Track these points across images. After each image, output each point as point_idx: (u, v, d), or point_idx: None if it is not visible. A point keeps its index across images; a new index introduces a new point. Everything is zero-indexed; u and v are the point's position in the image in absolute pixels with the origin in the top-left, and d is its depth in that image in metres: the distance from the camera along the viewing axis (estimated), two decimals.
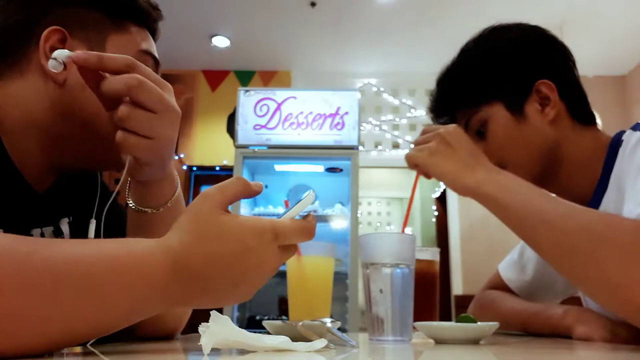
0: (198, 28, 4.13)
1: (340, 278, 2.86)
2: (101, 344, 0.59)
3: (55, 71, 0.59)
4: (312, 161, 3.22)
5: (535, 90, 0.90)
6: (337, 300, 2.87)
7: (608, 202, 0.85)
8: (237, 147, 3.09)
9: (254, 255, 0.48)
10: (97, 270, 0.43)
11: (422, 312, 0.83)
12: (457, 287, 4.31)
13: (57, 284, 0.40)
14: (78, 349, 0.53)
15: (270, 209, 3.30)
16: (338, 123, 3.11)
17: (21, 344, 0.39)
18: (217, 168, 4.46)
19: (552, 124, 0.90)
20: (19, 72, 0.66)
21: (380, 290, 0.71)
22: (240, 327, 0.49)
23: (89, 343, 0.59)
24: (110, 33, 0.71)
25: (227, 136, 4.49)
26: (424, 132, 0.86)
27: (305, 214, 0.55)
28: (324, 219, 3.12)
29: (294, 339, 0.49)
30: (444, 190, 5.12)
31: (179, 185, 0.75)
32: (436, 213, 5.62)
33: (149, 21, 0.78)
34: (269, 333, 0.68)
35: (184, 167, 4.45)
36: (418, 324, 0.70)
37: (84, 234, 0.69)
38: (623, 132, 0.87)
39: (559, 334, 0.87)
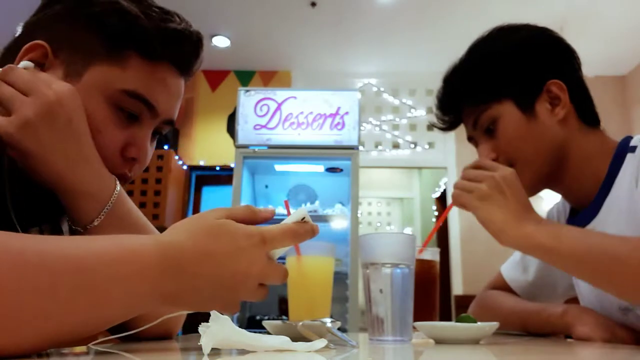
0: (198, 28, 4.12)
1: (340, 278, 2.86)
2: (102, 344, 0.59)
3: None
4: (312, 161, 3.22)
5: (546, 89, 0.91)
6: (337, 300, 2.87)
7: (610, 205, 0.85)
8: (237, 147, 3.09)
9: (244, 256, 0.49)
10: (91, 265, 0.43)
11: (422, 312, 0.83)
12: (457, 287, 4.31)
13: (52, 278, 0.41)
14: (78, 349, 0.53)
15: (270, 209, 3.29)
16: (338, 123, 3.11)
17: (19, 340, 0.40)
18: (217, 168, 4.46)
19: (560, 124, 0.90)
20: None
21: (380, 290, 0.71)
22: (240, 327, 0.49)
23: (90, 343, 0.59)
24: (97, 62, 0.66)
25: (227, 136, 4.49)
26: (478, 166, 0.84)
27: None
28: (324, 219, 3.12)
29: (294, 339, 0.49)
30: (444, 190, 5.12)
31: (109, 205, 0.65)
32: (436, 213, 5.62)
33: (166, 56, 0.70)
34: (269, 333, 0.68)
35: (184, 167, 4.44)
36: (418, 324, 0.70)
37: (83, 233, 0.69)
38: (630, 137, 0.88)
39: (559, 333, 0.87)
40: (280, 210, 3.23)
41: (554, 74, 0.91)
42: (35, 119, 0.58)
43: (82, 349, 0.54)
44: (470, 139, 1.00)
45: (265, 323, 0.72)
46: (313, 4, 3.76)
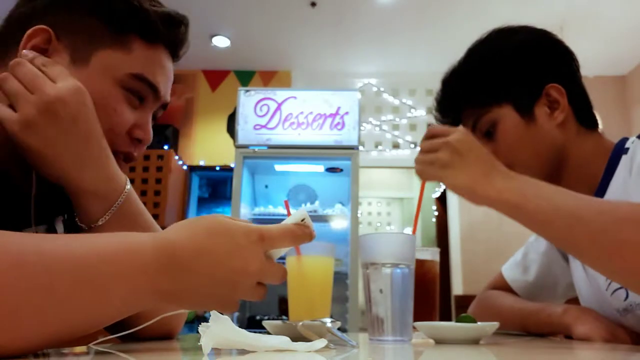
0: (198, 28, 4.13)
1: (340, 278, 2.86)
2: (102, 344, 0.59)
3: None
4: (312, 161, 3.22)
5: (545, 93, 0.91)
6: (337, 300, 2.87)
7: None
8: (237, 147, 3.10)
9: (242, 254, 0.49)
10: (89, 262, 0.43)
11: (422, 312, 0.83)
12: (457, 287, 4.31)
13: (50, 277, 0.41)
14: (78, 349, 0.53)
15: (271, 209, 3.30)
16: (338, 123, 3.11)
17: (19, 338, 0.40)
18: (217, 168, 4.46)
19: (559, 128, 0.90)
20: (3, 65, 0.65)
21: (380, 290, 0.71)
22: (240, 327, 0.49)
23: (91, 343, 0.59)
24: (101, 46, 0.67)
25: (227, 136, 4.49)
26: (429, 136, 0.81)
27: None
28: (324, 219, 3.12)
29: (294, 339, 0.49)
30: (444, 190, 5.12)
31: (116, 205, 0.65)
32: (436, 213, 5.62)
33: (163, 39, 0.73)
34: (269, 333, 0.68)
35: (184, 167, 4.44)
36: (418, 324, 0.70)
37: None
38: (626, 139, 0.87)
39: (559, 333, 0.87)
40: (280, 210, 3.24)
41: (553, 77, 0.91)
42: (38, 117, 0.58)
43: (82, 349, 0.54)
44: None
45: (265, 323, 0.72)
46: (313, 4, 3.76)
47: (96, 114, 0.63)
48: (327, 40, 4.27)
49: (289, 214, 0.68)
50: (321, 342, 0.49)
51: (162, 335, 0.76)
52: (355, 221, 2.93)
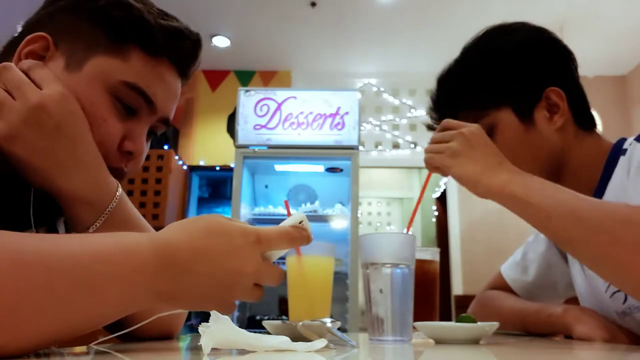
0: (198, 28, 4.11)
1: (340, 278, 2.86)
2: (102, 344, 0.59)
3: None
4: (312, 161, 3.22)
5: (545, 97, 0.90)
6: (337, 300, 2.87)
7: None
8: (237, 147, 3.09)
9: (239, 254, 0.49)
10: (87, 262, 0.43)
11: (422, 312, 0.83)
12: (457, 287, 4.31)
13: (49, 276, 0.41)
14: (78, 349, 0.53)
15: (271, 209, 3.30)
16: (338, 123, 3.11)
17: (17, 338, 0.40)
18: (217, 168, 4.46)
19: (558, 132, 0.90)
20: None
21: (380, 290, 0.71)
22: (240, 327, 0.49)
23: (92, 343, 0.59)
24: (98, 53, 0.66)
25: (227, 136, 4.49)
26: (443, 128, 0.83)
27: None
28: (324, 219, 3.12)
29: (294, 339, 0.49)
30: (444, 190, 5.11)
31: (107, 212, 0.65)
32: (436, 213, 5.61)
33: (166, 53, 0.71)
34: (269, 333, 0.68)
35: (184, 167, 4.44)
36: (418, 324, 0.70)
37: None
38: (624, 139, 0.87)
39: (559, 333, 0.87)
40: (280, 210, 3.24)
41: (553, 79, 0.91)
42: (21, 126, 0.57)
43: (82, 349, 0.54)
44: None
45: (265, 323, 0.72)
46: (313, 4, 3.76)
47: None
48: (327, 40, 4.27)
49: (289, 214, 0.68)
50: (321, 342, 0.49)
51: (162, 336, 0.76)
52: (355, 221, 2.93)
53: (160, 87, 0.71)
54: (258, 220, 3.17)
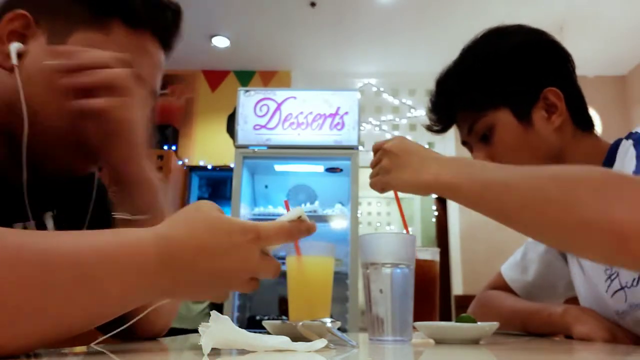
0: (198, 28, 4.13)
1: (340, 278, 2.86)
2: (102, 344, 0.59)
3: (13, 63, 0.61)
4: (312, 161, 3.22)
5: (543, 97, 0.90)
6: (337, 300, 2.87)
7: None
8: (237, 147, 3.09)
9: (239, 252, 0.50)
10: (88, 259, 0.43)
11: (422, 312, 0.83)
12: (457, 287, 4.31)
13: (49, 273, 0.41)
14: (78, 349, 0.53)
15: (270, 209, 3.30)
16: (338, 123, 3.11)
17: (18, 336, 0.40)
18: (217, 168, 4.46)
19: (556, 132, 0.90)
20: None
21: (380, 290, 0.71)
22: (240, 327, 0.49)
23: (92, 343, 0.59)
24: (79, 28, 0.65)
25: (227, 136, 4.49)
26: (374, 151, 0.86)
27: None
28: (324, 219, 3.12)
29: (294, 339, 0.49)
30: None
31: (161, 197, 0.71)
32: (436, 213, 5.61)
33: (149, 25, 0.70)
34: (269, 333, 0.68)
35: (185, 167, 4.44)
36: (418, 324, 0.70)
37: (69, 229, 0.68)
38: (621, 139, 0.87)
39: (559, 333, 0.87)
40: (281, 210, 3.23)
41: (551, 80, 0.91)
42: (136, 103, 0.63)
43: (82, 349, 0.54)
44: (465, 143, 1.00)
45: (265, 323, 0.72)
46: (313, 4, 3.76)
47: (68, 99, 0.62)
48: (327, 40, 4.27)
49: None
50: (321, 342, 0.49)
51: (153, 335, 0.76)
52: (355, 221, 2.92)
53: (144, 59, 0.70)
54: (258, 221, 3.16)
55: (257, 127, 3.12)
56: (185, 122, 4.67)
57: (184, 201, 4.35)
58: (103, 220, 0.71)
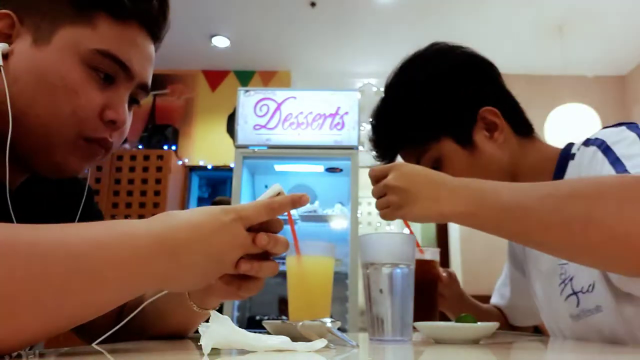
0: (198, 28, 4.13)
1: (340, 278, 2.86)
2: (106, 342, 0.59)
3: None
4: (312, 161, 3.22)
5: (481, 118, 0.90)
6: (337, 300, 2.87)
7: None
8: (237, 147, 3.09)
9: (227, 230, 0.53)
10: (83, 250, 0.44)
11: (422, 312, 0.83)
12: None
13: (45, 265, 0.41)
14: (79, 349, 0.53)
15: None
16: (338, 123, 3.11)
17: (18, 328, 0.40)
18: (211, 167, 4.46)
19: (502, 147, 0.90)
20: None
21: (380, 290, 0.71)
22: (240, 327, 0.49)
23: (94, 343, 0.59)
24: (64, 24, 0.64)
25: (227, 136, 4.49)
26: (372, 181, 0.82)
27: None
28: (324, 219, 3.12)
29: (294, 339, 0.49)
30: None
31: None
32: None
33: (134, 16, 0.68)
34: (269, 333, 0.68)
35: (185, 167, 4.44)
36: (418, 324, 0.70)
37: None
38: (572, 144, 0.87)
39: None
40: None
41: (484, 98, 0.90)
42: None
43: (82, 349, 0.54)
44: None
45: (265, 323, 0.72)
46: (313, 4, 3.76)
47: (57, 97, 0.62)
48: (327, 40, 4.27)
49: (289, 214, 0.68)
50: (321, 342, 0.49)
51: (176, 334, 0.77)
52: (355, 221, 2.92)
53: (133, 51, 0.69)
54: None
55: (257, 127, 3.12)
56: (185, 122, 4.67)
57: (184, 201, 4.36)
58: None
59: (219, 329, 0.46)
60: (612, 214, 0.58)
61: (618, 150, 0.71)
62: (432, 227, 5.76)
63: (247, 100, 3.16)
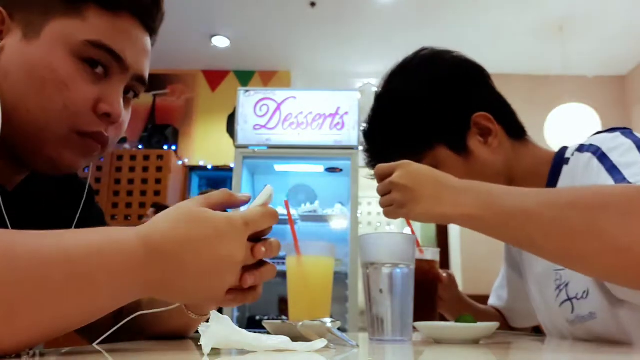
0: (198, 28, 4.13)
1: (340, 278, 2.86)
2: (106, 343, 0.59)
3: None
4: (312, 161, 3.22)
5: (474, 123, 0.90)
6: (337, 300, 2.87)
7: None
8: (237, 147, 3.09)
9: (226, 241, 0.49)
10: (79, 255, 0.44)
11: (422, 312, 0.83)
12: None
13: (43, 269, 0.41)
14: (79, 349, 0.53)
15: None
16: (338, 123, 3.11)
17: (15, 332, 0.40)
18: (216, 168, 4.46)
19: (496, 152, 0.90)
20: None
21: (380, 290, 0.71)
22: (240, 327, 0.49)
23: (95, 343, 0.59)
24: (54, 16, 0.63)
25: (227, 136, 4.49)
26: (377, 178, 0.82)
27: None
28: (323, 219, 3.12)
29: (294, 339, 0.49)
30: None
31: None
32: None
33: (126, 6, 0.67)
34: (269, 333, 0.68)
35: (185, 167, 4.45)
36: (418, 324, 0.70)
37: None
38: (566, 148, 0.86)
39: None
40: (280, 210, 3.23)
41: (476, 104, 0.90)
42: None
43: (82, 348, 0.54)
44: None
45: (265, 323, 0.72)
46: (313, 4, 3.76)
47: (48, 91, 0.61)
48: (327, 40, 4.27)
49: (289, 214, 0.68)
50: (321, 342, 0.49)
51: (177, 334, 0.77)
52: (355, 221, 2.92)
53: (126, 42, 0.67)
54: None
55: (257, 127, 3.12)
56: (185, 122, 4.67)
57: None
58: (90, 224, 0.71)
59: (219, 329, 0.46)
60: (615, 226, 0.58)
61: (614, 158, 0.71)
62: (432, 227, 5.75)
63: (247, 100, 3.16)
